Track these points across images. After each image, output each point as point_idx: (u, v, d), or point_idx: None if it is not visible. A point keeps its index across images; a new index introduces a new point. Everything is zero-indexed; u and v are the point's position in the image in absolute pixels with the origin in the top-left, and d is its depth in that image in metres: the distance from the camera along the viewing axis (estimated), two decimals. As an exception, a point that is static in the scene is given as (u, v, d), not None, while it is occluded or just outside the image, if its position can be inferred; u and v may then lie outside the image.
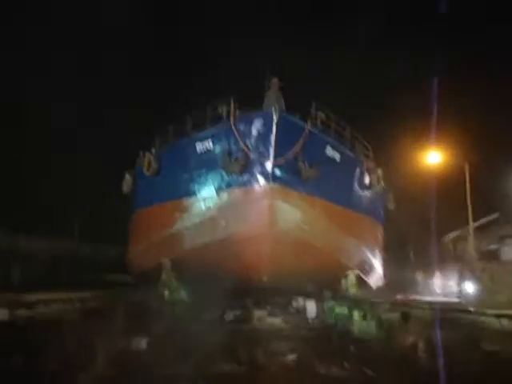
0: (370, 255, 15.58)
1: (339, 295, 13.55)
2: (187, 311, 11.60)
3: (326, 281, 12.87)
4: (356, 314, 10.28)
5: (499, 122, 27.63)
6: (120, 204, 18.12)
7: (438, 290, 17.76)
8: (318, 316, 13.00)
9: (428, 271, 20.55)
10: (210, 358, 6.38)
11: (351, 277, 14.18)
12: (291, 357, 6.79)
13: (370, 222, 15.34)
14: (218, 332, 9.11)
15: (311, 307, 13.48)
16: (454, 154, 20.25)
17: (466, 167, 19.76)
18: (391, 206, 17.15)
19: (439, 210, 20.11)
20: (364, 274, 14.88)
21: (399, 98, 32.28)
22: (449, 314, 11.74)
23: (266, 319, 11.86)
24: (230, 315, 12.27)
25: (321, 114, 12.24)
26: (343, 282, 14.07)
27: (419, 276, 21.21)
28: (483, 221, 25.07)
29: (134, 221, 16.18)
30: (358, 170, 13.87)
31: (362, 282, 14.72)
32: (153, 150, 14.60)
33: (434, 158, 19.93)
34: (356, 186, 13.77)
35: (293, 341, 8.28)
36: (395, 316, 10.51)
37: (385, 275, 17.86)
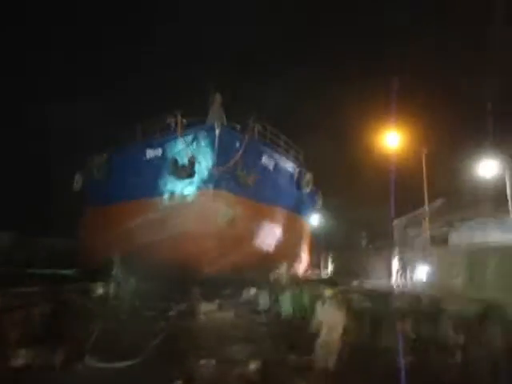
0: (298, 247, 17.61)
1: (291, 283, 13.48)
2: (128, 307, 10.84)
3: (260, 271, 13.68)
4: (319, 305, 9.08)
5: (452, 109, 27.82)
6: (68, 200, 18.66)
7: (392, 276, 17.37)
8: (271, 307, 12.18)
9: (380, 257, 20.21)
10: (143, 373, 4.89)
11: (282, 266, 14.78)
12: (253, 366, 5.31)
13: (299, 218, 17.16)
14: (157, 332, 7.56)
15: (264, 298, 12.79)
16: (409, 139, 19.81)
17: (424, 151, 19.28)
18: (319, 204, 19.82)
19: (391, 196, 19.90)
20: (293, 263, 16.11)
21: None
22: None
23: (215, 314, 10.48)
24: (173, 310, 10.92)
25: (258, 126, 13.54)
26: (275, 271, 14.66)
27: (372, 262, 20.85)
28: (431, 206, 25.33)
29: (86, 218, 17.23)
30: (289, 175, 15.49)
31: (290, 271, 15.60)
32: (103, 155, 15.43)
33: (389, 141, 19.34)
34: (287, 188, 15.37)
35: (251, 342, 6.80)
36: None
37: (310, 263, 20.71)
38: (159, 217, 12.82)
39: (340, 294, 8.20)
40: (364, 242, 27.64)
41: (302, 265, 18.51)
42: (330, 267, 28.29)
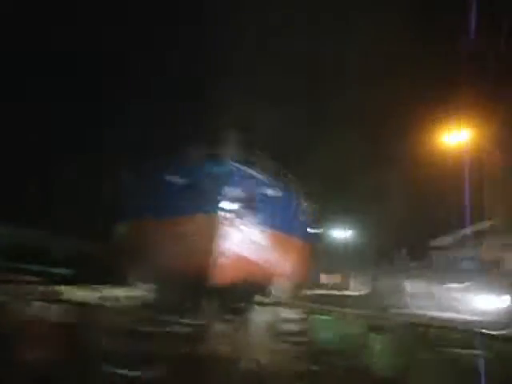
0: (297, 267, 19.61)
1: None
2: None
3: (260, 286, 15.46)
4: (375, 339, 6.59)
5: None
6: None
7: (461, 306, 14.26)
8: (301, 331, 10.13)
9: (437, 280, 17.14)
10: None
11: (281, 283, 16.59)
12: None
13: (299, 241, 19.67)
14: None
15: (293, 319, 11.01)
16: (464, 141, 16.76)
17: (487, 155, 16.11)
18: (319, 229, 23.57)
19: (434, 208, 17.20)
20: (291, 280, 17.89)
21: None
22: None
23: (235, 334, 8.13)
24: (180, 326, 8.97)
25: (262, 162, 15.98)
26: (273, 287, 16.37)
27: (415, 286, 17.88)
28: (478, 227, 22.27)
29: (115, 231, 19.63)
30: (290, 205, 18.05)
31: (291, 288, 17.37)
32: (131, 178, 17.99)
33: (446, 139, 16.49)
34: (288, 216, 17.83)
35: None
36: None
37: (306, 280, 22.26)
38: (178, 233, 14.72)
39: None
40: (404, 262, 24.59)
41: (301, 281, 20.77)
42: (362, 288, 25.35)
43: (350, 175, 30.60)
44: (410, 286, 17.36)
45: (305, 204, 19.28)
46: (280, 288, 16.39)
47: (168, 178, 15.89)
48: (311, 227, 21.61)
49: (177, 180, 15.76)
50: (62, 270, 20.81)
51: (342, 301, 16.63)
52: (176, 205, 15.30)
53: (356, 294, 23.75)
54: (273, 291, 16.09)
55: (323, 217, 25.67)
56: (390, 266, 23.71)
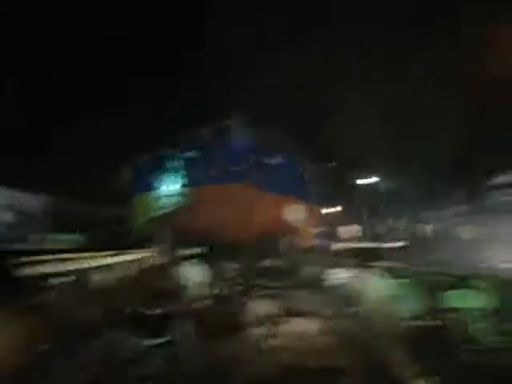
0: (302, 223, 21.46)
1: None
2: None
3: (269, 243, 17.42)
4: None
5: None
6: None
7: None
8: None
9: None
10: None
11: (289, 239, 18.28)
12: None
13: (303, 202, 21.48)
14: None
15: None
16: None
17: None
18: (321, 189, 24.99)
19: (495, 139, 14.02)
20: (299, 237, 19.87)
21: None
22: None
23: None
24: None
25: (269, 136, 18.41)
26: (281, 243, 18.09)
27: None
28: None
29: (136, 201, 22.06)
30: (294, 171, 20.60)
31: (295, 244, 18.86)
32: (150, 155, 20.38)
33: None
34: (292, 180, 20.18)
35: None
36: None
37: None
38: (195, 200, 17.26)
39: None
40: (459, 202, 21.58)
41: (310, 237, 23.04)
42: (400, 238, 22.53)
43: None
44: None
45: (308, 170, 21.96)
46: (290, 244, 18.39)
47: (184, 154, 18.53)
48: (315, 188, 24.17)
49: (192, 155, 18.44)
50: (74, 237, 20.58)
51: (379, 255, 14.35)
52: (193, 177, 18.02)
53: (391, 245, 21.31)
54: (285, 247, 17.98)
55: (354, 163, 27.21)
56: (439, 210, 21.07)
